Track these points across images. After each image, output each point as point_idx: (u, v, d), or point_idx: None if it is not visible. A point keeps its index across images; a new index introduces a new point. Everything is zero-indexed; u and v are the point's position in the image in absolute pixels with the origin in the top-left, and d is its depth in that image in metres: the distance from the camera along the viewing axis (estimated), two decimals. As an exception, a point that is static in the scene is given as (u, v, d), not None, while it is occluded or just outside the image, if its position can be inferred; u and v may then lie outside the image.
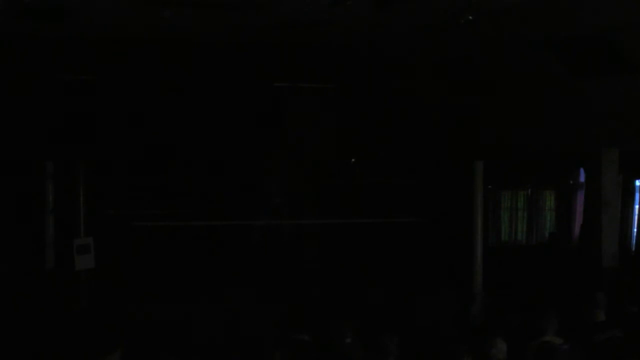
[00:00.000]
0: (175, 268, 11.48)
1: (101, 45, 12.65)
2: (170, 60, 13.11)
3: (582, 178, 13.31)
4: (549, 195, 14.27)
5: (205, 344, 8.72)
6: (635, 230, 12.63)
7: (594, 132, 11.40)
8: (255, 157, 13.80)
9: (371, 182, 13.96)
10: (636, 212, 12.69)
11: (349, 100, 14.19)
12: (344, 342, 7.27)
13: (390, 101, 14.06)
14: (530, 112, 12.14)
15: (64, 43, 12.48)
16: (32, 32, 11.98)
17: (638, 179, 12.66)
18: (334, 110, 14.36)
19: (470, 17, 10.12)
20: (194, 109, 13.52)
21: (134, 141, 13.23)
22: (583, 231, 12.83)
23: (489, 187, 13.39)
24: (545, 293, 10.26)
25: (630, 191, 12.60)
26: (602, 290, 8.58)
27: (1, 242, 11.49)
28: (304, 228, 13.50)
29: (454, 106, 13.60)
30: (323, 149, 14.38)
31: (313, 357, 7.21)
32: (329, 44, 13.15)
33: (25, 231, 11.48)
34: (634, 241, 12.61)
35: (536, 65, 11.10)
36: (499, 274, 10.93)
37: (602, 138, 11.44)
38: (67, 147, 12.34)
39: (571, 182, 13.64)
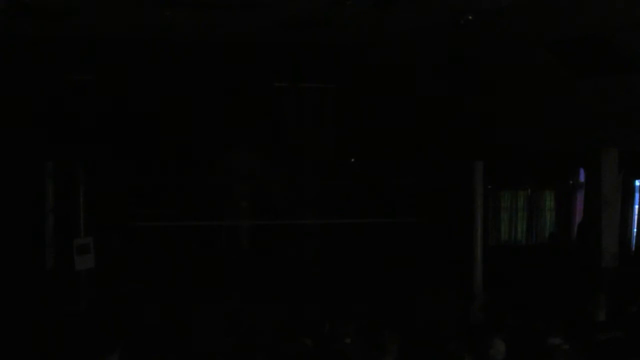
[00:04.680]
0: (175, 268, 11.49)
1: (101, 45, 12.65)
2: (170, 60, 13.12)
3: (582, 178, 13.31)
4: (549, 195, 14.27)
5: (205, 344, 8.72)
6: (635, 230, 12.63)
7: (594, 132, 11.40)
8: (255, 157, 13.81)
9: (371, 182, 13.96)
10: (636, 212, 12.69)
11: (349, 100, 14.19)
12: (344, 342, 7.27)
13: (390, 101, 14.06)
14: (530, 112, 12.14)
15: (64, 43, 12.49)
16: (32, 32, 11.99)
17: (638, 179, 12.65)
18: (334, 110, 14.36)
19: (470, 17, 10.13)
20: (194, 108, 13.52)
21: (134, 141, 13.23)
22: (583, 231, 12.83)
23: (489, 187, 13.39)
24: (545, 293, 10.26)
25: (630, 191, 12.60)
26: (602, 290, 8.58)
27: (1, 242, 11.50)
28: (304, 228, 13.51)
29: (454, 106, 13.60)
30: (323, 149, 14.38)
31: (313, 358, 7.21)
32: (329, 44, 13.16)
33: (25, 231, 11.49)
34: (634, 241, 12.60)
35: (536, 65, 11.10)
36: (499, 274, 10.93)
37: (602, 138, 11.44)
38: (67, 147, 12.35)
39: (571, 182, 13.64)
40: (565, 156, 13.05)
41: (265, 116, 14.05)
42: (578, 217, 13.41)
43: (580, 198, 13.31)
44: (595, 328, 7.71)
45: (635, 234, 12.63)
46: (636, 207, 12.71)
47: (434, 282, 11.00)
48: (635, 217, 12.68)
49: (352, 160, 14.58)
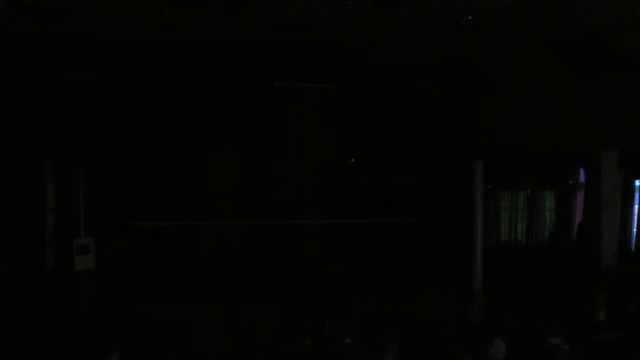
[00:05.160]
0: (175, 268, 11.50)
1: (101, 45, 12.66)
2: (170, 61, 13.12)
3: (582, 178, 13.30)
4: (549, 195, 14.26)
5: (205, 344, 8.72)
6: (635, 230, 12.62)
7: (594, 132, 11.40)
8: (254, 157, 13.81)
9: (371, 182, 13.96)
10: (636, 212, 12.68)
11: (349, 100, 14.19)
12: (344, 342, 7.27)
13: (390, 101, 14.06)
14: (530, 112, 12.14)
15: (64, 43, 12.49)
16: (32, 32, 11.99)
17: (638, 179, 12.64)
18: (334, 110, 14.37)
19: (470, 17, 10.13)
20: (194, 109, 13.53)
21: (133, 141, 13.24)
22: (583, 231, 12.83)
23: (489, 187, 13.39)
24: (545, 293, 10.26)
25: (630, 191, 12.59)
26: (602, 290, 8.57)
27: (1, 242, 11.50)
28: (304, 228, 13.51)
29: (454, 106, 13.60)
30: (323, 149, 14.38)
31: (313, 358, 7.21)
32: (329, 44, 13.16)
33: (25, 231, 11.49)
34: (634, 241, 12.60)
35: (536, 65, 11.10)
36: (499, 274, 10.93)
37: (602, 138, 11.44)
38: (67, 147, 12.35)
39: (571, 182, 13.63)
40: (565, 156, 13.04)
41: (265, 116, 14.05)
42: (578, 217, 13.40)
43: (580, 198, 13.30)
44: (595, 328, 7.71)
45: (635, 234, 12.62)
46: (636, 207, 12.69)
47: (434, 282, 11.00)
48: (635, 217, 12.66)
49: (352, 160, 14.58)
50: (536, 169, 13.91)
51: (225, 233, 13.40)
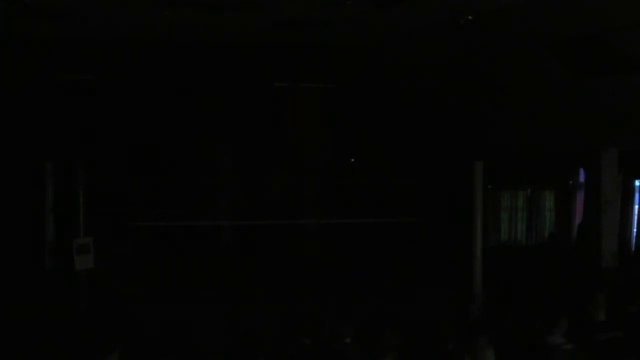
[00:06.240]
0: (175, 268, 11.49)
1: (101, 45, 12.65)
2: (170, 61, 13.12)
3: (582, 178, 13.31)
4: (549, 195, 14.27)
5: (205, 344, 8.72)
6: (635, 230, 12.63)
7: (594, 132, 11.40)
8: (254, 158, 13.81)
9: (371, 182, 13.96)
10: (636, 212, 12.69)
11: (349, 100, 14.19)
12: (344, 342, 7.27)
13: (390, 101, 14.05)
14: (531, 112, 12.14)
15: (64, 43, 12.49)
16: (32, 32, 11.99)
17: (638, 179, 12.65)
18: (334, 110, 14.36)
19: (470, 17, 10.13)
20: (194, 109, 13.52)
21: (133, 141, 13.23)
22: (583, 231, 12.83)
23: (489, 187, 13.39)
24: (546, 293, 10.26)
25: (630, 191, 12.59)
26: (602, 290, 8.57)
27: (1, 242, 11.50)
28: (304, 228, 13.51)
29: (454, 106, 13.60)
30: (323, 149, 14.38)
31: (313, 358, 7.21)
32: (329, 44, 13.16)
33: (25, 231, 11.49)
34: (634, 241, 12.60)
35: (536, 65, 11.10)
36: (499, 274, 10.93)
37: (602, 138, 11.44)
38: (67, 147, 12.35)
39: (571, 182, 13.64)
40: (565, 156, 13.04)
41: (265, 116, 14.05)
42: (578, 217, 13.41)
43: (580, 198, 13.31)
44: (595, 328, 7.71)
45: (635, 234, 12.62)
46: (636, 207, 12.70)
47: (434, 282, 11.00)
48: (635, 217, 12.67)
49: (352, 160, 14.58)
50: (536, 169, 13.91)
51: (225, 233, 13.40)
